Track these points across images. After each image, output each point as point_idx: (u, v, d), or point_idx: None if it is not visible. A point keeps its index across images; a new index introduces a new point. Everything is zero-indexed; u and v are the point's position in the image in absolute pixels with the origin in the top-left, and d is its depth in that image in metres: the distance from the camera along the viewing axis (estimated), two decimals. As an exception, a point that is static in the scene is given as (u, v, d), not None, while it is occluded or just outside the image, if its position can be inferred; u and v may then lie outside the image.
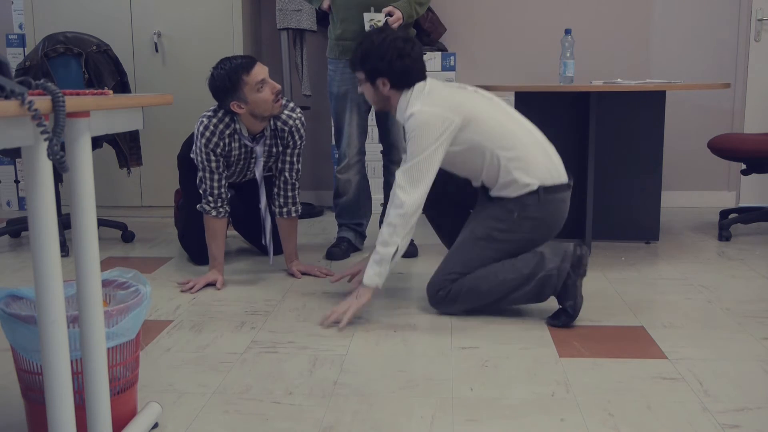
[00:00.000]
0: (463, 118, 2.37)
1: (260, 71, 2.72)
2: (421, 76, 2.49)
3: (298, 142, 2.91)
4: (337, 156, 3.35)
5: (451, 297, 2.45)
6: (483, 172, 2.44)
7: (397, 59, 2.43)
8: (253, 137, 2.85)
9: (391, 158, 3.31)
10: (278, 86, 2.75)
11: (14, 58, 4.45)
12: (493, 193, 2.46)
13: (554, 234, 2.50)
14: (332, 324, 2.40)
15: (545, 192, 2.41)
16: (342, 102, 3.23)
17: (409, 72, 2.45)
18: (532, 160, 2.40)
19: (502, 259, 2.46)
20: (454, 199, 2.69)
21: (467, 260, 2.45)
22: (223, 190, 2.86)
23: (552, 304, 2.55)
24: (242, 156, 2.89)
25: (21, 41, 4.45)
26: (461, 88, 2.48)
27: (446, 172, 2.61)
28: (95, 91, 1.39)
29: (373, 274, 2.38)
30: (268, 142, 2.88)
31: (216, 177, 2.84)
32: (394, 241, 2.35)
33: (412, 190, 2.33)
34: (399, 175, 2.37)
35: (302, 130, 2.91)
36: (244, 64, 2.70)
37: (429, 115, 2.34)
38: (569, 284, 2.37)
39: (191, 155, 3.05)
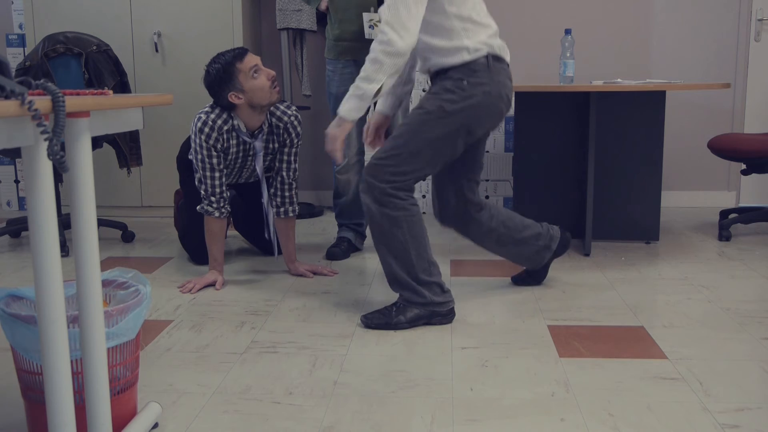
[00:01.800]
0: None
1: (252, 58, 2.76)
2: None
3: (295, 140, 2.92)
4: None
5: (386, 210, 2.32)
6: (437, 39, 2.33)
7: None
8: (251, 133, 2.86)
9: (391, 158, 3.30)
10: (272, 72, 2.77)
11: (14, 58, 4.45)
12: (443, 60, 2.36)
13: (504, 108, 2.40)
14: (339, 158, 2.33)
15: (494, 59, 2.35)
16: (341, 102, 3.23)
17: None
18: (488, 31, 2.36)
19: (455, 140, 2.34)
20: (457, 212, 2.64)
21: (418, 141, 2.31)
22: (224, 188, 2.86)
23: (551, 301, 2.55)
24: (240, 154, 2.89)
25: (21, 41, 4.45)
26: None
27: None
28: (95, 91, 1.39)
29: (351, 108, 2.27)
30: (266, 137, 2.89)
31: (217, 175, 2.84)
32: (378, 78, 2.23)
33: (402, 30, 2.20)
34: (386, 12, 2.22)
35: (299, 127, 2.92)
36: (236, 54, 2.74)
37: None
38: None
39: (189, 156, 3.05)
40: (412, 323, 2.39)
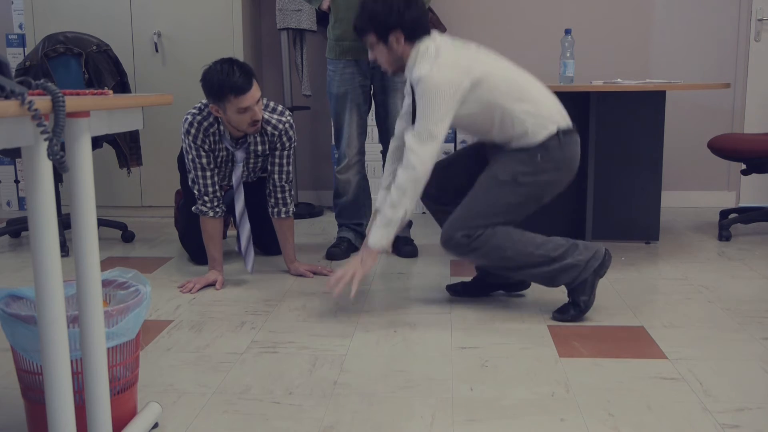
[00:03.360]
0: (473, 79, 2.35)
1: (249, 99, 2.63)
2: (428, 28, 2.46)
3: (287, 144, 2.91)
4: (336, 156, 3.35)
5: (473, 245, 2.39)
6: (496, 128, 2.42)
7: (406, 9, 2.41)
8: (236, 141, 2.85)
9: (391, 158, 3.31)
10: (259, 116, 2.70)
11: (14, 58, 4.45)
12: (513, 145, 2.43)
13: (572, 177, 2.48)
14: (340, 292, 2.36)
15: (564, 134, 2.41)
16: (342, 102, 3.23)
17: (419, 21, 2.42)
18: (545, 108, 2.41)
19: (526, 206, 2.43)
20: (456, 193, 2.66)
21: (492, 205, 2.40)
22: (217, 188, 2.86)
23: (551, 301, 2.56)
24: (228, 158, 2.89)
25: (21, 41, 4.45)
26: (465, 47, 2.44)
27: (445, 167, 2.62)
28: (95, 91, 1.39)
29: (381, 237, 2.35)
30: (252, 147, 2.87)
31: (208, 174, 2.83)
32: (403, 204, 2.32)
33: (423, 153, 2.31)
34: (409, 138, 2.34)
35: (291, 133, 2.90)
36: (238, 86, 2.60)
37: (439, 80, 2.31)
38: (589, 281, 2.41)
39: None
40: (592, 290, 2.43)
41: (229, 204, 3.28)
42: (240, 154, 2.85)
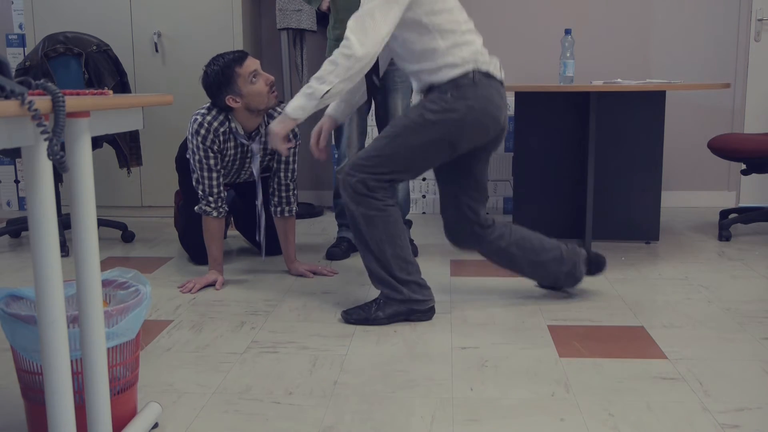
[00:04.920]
0: None
1: (252, 63, 2.76)
2: None
3: (293, 141, 2.91)
4: (336, 156, 3.35)
5: (365, 202, 2.34)
6: (416, 54, 2.35)
7: None
8: (248, 135, 2.86)
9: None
10: (271, 78, 2.77)
11: (14, 58, 4.45)
12: (431, 78, 2.37)
13: (493, 125, 2.38)
14: (284, 150, 2.38)
15: (480, 75, 2.34)
16: (342, 102, 3.23)
17: None
18: (472, 47, 2.34)
19: (433, 150, 2.35)
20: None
21: (395, 147, 2.33)
22: (221, 188, 2.86)
23: (551, 301, 2.55)
24: (237, 155, 2.89)
25: (21, 41, 4.45)
26: None
27: (445, 208, 2.59)
28: (95, 91, 1.39)
29: (298, 107, 2.29)
30: (263, 139, 2.89)
31: (214, 175, 2.84)
32: (330, 80, 2.24)
33: (363, 37, 2.23)
34: (351, 20, 2.26)
35: (296, 129, 2.92)
36: (236, 57, 2.74)
37: None
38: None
39: (187, 155, 3.05)
40: (391, 319, 2.42)
41: (230, 204, 3.29)
42: (256, 146, 2.87)
